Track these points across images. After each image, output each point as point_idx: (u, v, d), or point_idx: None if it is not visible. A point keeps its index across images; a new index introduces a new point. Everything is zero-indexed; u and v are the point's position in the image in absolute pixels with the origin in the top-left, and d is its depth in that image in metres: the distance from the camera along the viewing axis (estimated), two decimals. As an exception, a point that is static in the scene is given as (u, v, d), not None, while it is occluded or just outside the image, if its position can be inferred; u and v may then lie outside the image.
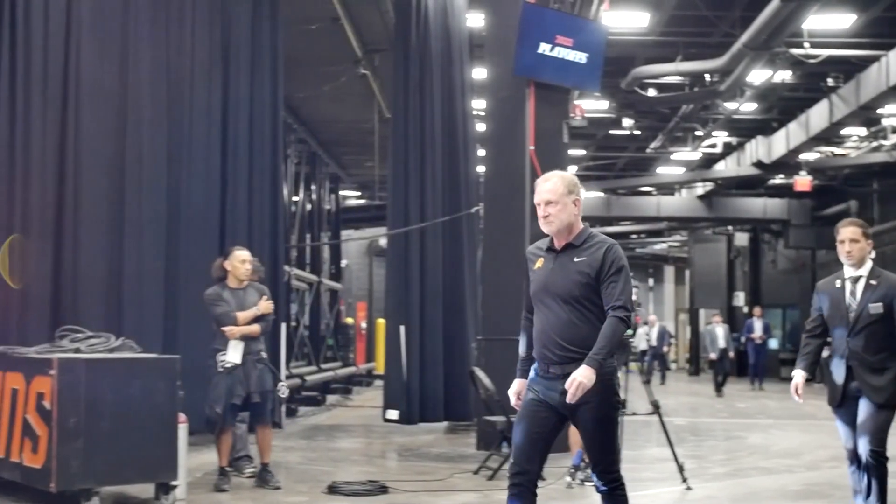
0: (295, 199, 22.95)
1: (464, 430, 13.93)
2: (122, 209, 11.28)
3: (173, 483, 7.95)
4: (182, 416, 8.03)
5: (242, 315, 8.99)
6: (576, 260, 5.37)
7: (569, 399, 5.14)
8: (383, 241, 28.23)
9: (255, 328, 9.09)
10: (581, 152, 29.90)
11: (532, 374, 5.51)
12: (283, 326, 13.32)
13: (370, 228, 30.40)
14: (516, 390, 5.61)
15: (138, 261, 11.33)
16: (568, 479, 9.21)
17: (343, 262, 30.27)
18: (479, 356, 12.36)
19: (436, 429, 14.17)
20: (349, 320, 28.82)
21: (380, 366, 25.71)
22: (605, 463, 5.42)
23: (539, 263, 5.53)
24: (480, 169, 16.52)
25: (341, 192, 29.86)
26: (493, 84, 12.56)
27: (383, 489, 8.93)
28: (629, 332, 9.44)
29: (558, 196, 5.40)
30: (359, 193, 33.47)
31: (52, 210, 10.72)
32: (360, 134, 22.19)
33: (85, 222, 10.91)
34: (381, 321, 25.92)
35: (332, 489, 8.88)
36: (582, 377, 5.11)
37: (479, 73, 15.88)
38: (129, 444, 7.61)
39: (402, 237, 14.10)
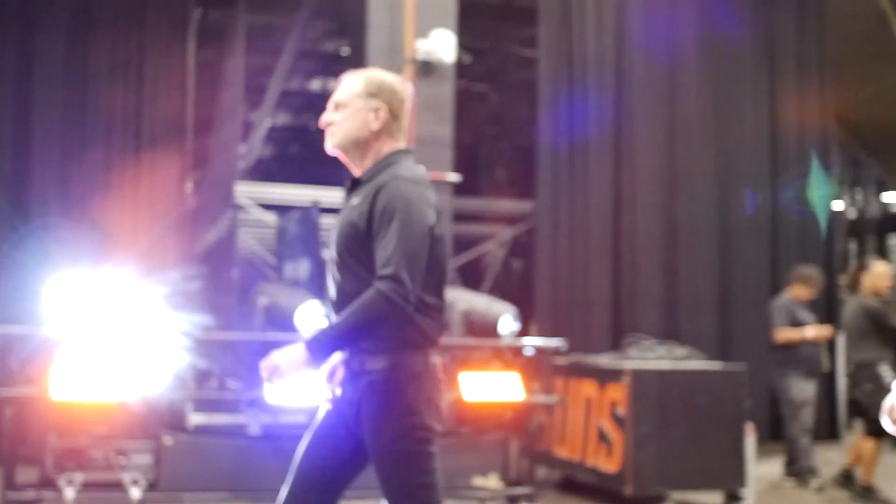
0: (837, 204, 22.20)
1: None
2: (675, 220, 11.53)
3: (741, 492, 7.96)
4: (749, 426, 8.01)
5: None
6: (353, 202, 3.57)
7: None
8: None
9: None
10: None
11: None
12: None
13: (920, 234, 28.64)
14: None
15: (690, 270, 11.52)
16: None
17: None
18: None
19: None
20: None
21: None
22: None
23: None
24: None
25: (887, 198, 28.42)
26: None
27: None
28: None
29: (350, 97, 3.60)
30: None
31: (610, 223, 11.25)
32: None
33: (640, 234, 11.33)
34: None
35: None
36: (281, 358, 3.37)
37: None
38: (697, 452, 7.72)
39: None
